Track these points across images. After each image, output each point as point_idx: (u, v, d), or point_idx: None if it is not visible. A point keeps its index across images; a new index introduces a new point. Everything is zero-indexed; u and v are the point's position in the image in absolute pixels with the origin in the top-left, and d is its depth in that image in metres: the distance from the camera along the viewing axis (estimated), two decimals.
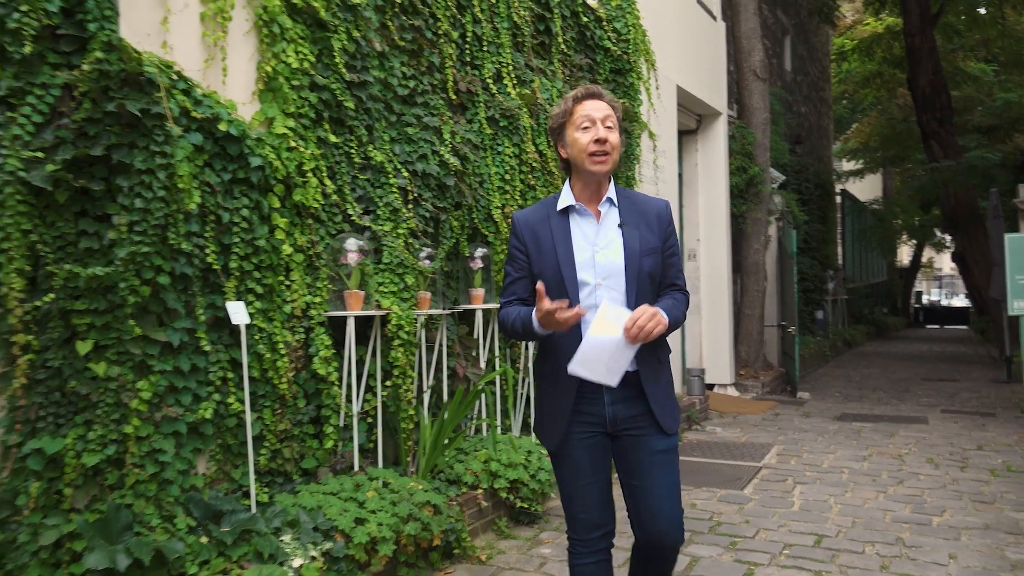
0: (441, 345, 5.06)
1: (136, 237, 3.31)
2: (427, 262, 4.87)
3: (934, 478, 6.12)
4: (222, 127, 3.68)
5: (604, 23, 7.22)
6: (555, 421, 2.69)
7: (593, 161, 2.60)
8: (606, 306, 2.47)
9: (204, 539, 3.39)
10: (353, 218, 4.48)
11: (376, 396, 4.54)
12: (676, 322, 2.63)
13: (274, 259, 3.98)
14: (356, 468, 4.34)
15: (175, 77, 3.53)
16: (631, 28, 7.47)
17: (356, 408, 4.37)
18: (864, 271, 24.32)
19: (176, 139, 3.42)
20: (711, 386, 10.18)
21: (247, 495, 3.80)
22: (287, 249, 4.00)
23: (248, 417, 3.78)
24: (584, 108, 2.63)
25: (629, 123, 7.43)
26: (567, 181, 2.75)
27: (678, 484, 2.70)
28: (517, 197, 5.75)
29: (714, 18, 10.33)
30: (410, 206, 4.86)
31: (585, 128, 2.61)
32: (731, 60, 11.85)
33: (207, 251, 3.66)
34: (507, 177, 5.68)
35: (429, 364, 5.00)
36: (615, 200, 2.70)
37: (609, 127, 2.63)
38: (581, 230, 2.67)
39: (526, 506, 4.83)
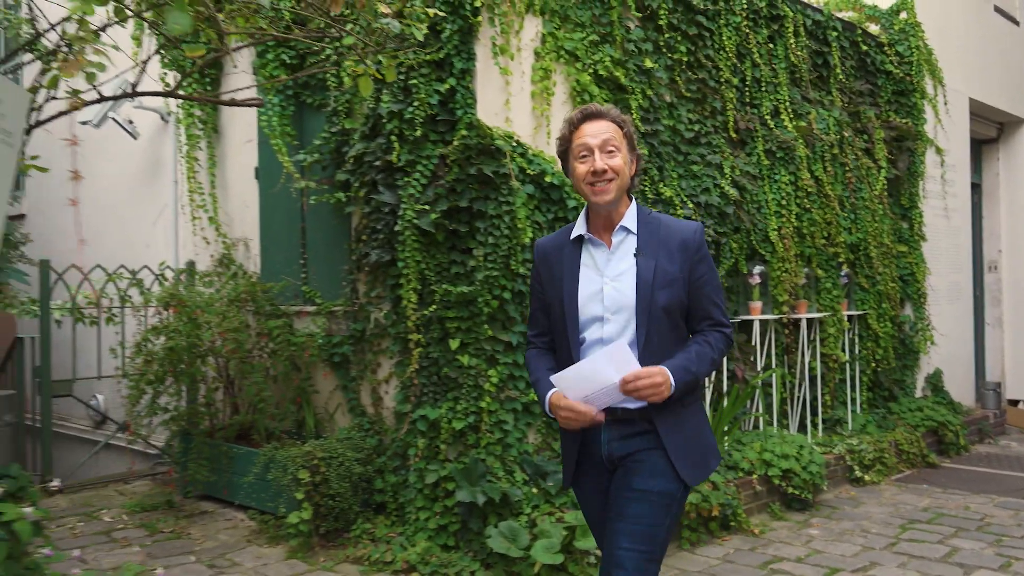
0: None
1: (488, 264, 4.54)
2: None
3: None
4: (547, 179, 4.82)
5: (886, 48, 7.57)
6: (567, 459, 2.59)
7: (593, 192, 2.40)
8: (621, 346, 2.30)
9: (535, 490, 4.53)
10: None
11: None
12: (696, 380, 2.41)
13: None
14: None
15: (515, 144, 4.73)
16: (915, 50, 7.73)
17: None
18: None
19: (516, 191, 4.60)
20: (1015, 402, 9.86)
21: None
22: None
23: None
24: (582, 134, 2.43)
25: (911, 141, 7.69)
26: (584, 208, 2.55)
27: (655, 536, 2.37)
28: (793, 220, 6.40)
29: (1016, 23, 10.02)
30: None
31: (583, 158, 2.42)
32: None
33: None
34: (783, 203, 6.36)
35: None
36: (632, 227, 2.47)
37: (611, 151, 2.40)
38: (593, 260, 2.48)
39: (797, 493, 5.49)
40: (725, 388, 5.87)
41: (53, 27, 3.00)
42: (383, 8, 3.24)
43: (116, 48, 3.05)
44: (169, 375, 5.41)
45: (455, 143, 4.54)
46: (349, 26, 3.12)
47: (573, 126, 2.46)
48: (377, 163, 4.80)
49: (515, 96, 4.87)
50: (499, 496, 4.31)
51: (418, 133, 4.56)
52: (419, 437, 4.64)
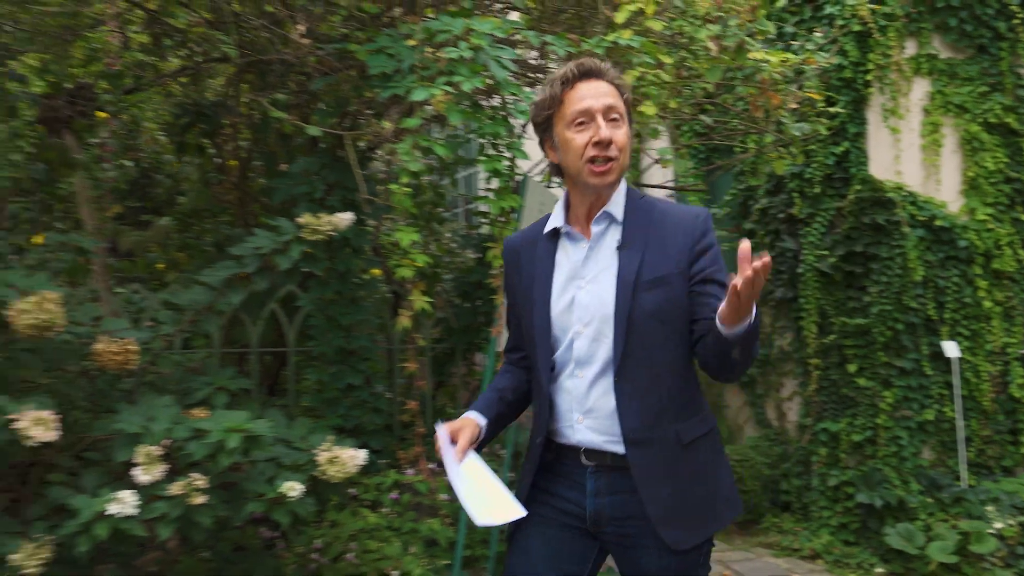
0: None
1: (882, 300, 5.24)
2: None
3: None
4: (937, 222, 5.39)
5: None
6: (523, 480, 2.06)
7: (592, 171, 1.91)
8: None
9: (929, 499, 5.11)
10: None
11: None
12: (753, 345, 1.77)
13: (978, 311, 5.50)
14: None
15: (905, 194, 5.38)
16: None
17: None
18: None
19: (907, 235, 5.26)
20: None
21: (958, 478, 5.39)
22: (987, 304, 5.49)
23: (959, 423, 5.37)
24: (578, 95, 1.92)
25: None
26: (564, 194, 2.07)
27: None
28: None
29: None
30: None
31: (580, 125, 1.91)
32: None
33: (927, 307, 5.39)
34: None
35: None
36: (617, 215, 1.98)
37: (615, 119, 1.92)
38: (568, 259, 2.01)
39: None
40: None
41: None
42: (792, 105, 4.22)
43: None
44: None
45: (850, 197, 5.33)
46: (768, 126, 4.15)
47: (565, 84, 1.94)
48: (780, 215, 5.75)
49: (905, 151, 5.52)
50: (896, 501, 4.98)
51: (816, 190, 5.43)
52: (820, 447, 5.46)
